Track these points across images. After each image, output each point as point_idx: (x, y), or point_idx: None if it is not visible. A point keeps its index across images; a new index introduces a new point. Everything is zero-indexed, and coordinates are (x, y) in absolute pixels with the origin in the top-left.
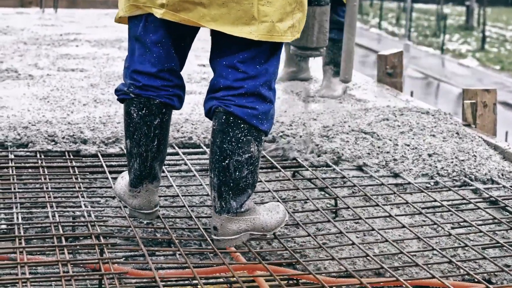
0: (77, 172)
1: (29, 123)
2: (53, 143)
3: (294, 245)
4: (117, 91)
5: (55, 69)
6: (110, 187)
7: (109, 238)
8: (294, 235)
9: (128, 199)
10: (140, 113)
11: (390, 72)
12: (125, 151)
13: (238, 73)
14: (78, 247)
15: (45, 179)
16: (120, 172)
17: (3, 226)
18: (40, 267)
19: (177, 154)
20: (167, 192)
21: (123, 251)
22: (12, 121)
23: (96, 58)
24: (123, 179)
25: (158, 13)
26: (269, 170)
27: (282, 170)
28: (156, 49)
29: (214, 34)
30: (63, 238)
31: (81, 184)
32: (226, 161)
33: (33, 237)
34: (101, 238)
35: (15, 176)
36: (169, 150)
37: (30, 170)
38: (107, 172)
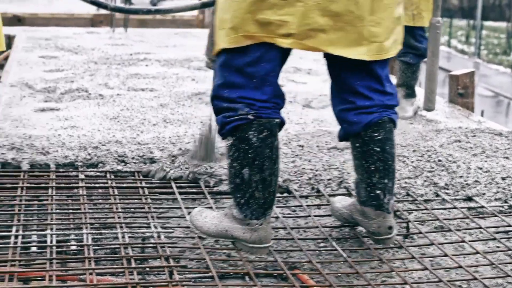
0: (146, 193)
1: (99, 143)
2: (123, 163)
3: (366, 269)
4: (226, 118)
5: (125, 89)
6: (180, 208)
7: (179, 260)
8: (367, 259)
9: (244, 234)
10: (260, 136)
11: (461, 93)
12: (231, 185)
13: (388, 87)
14: (147, 269)
15: (114, 199)
16: (189, 192)
17: (74, 247)
18: None
19: None
20: None
21: (192, 273)
22: (82, 141)
23: (165, 77)
24: (208, 216)
25: (285, 43)
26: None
27: (351, 192)
28: (270, 78)
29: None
30: (132, 260)
31: (150, 205)
32: (394, 164)
33: (102, 258)
34: (171, 260)
35: (85, 196)
36: None
37: (100, 190)
38: (177, 193)
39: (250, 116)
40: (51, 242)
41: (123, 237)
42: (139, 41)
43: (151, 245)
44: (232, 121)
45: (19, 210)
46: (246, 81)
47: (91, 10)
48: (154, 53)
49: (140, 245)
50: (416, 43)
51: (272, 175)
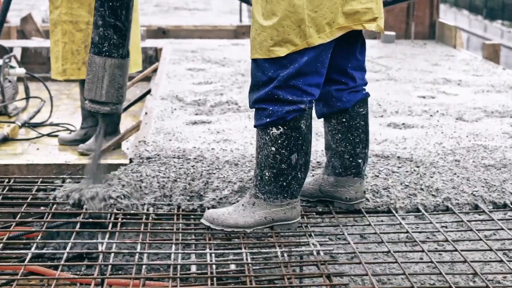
0: (303, 211)
1: (252, 156)
2: None
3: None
4: (288, 113)
5: None
6: (338, 226)
7: (341, 277)
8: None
9: (285, 214)
10: (307, 123)
11: None
12: (274, 171)
13: (363, 72)
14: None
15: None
16: (350, 211)
17: (233, 267)
18: None
19: None
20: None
21: None
22: (235, 155)
23: None
24: (230, 212)
25: (372, 26)
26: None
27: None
28: (327, 60)
29: (348, 41)
30: (293, 278)
31: (308, 224)
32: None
33: (263, 278)
34: (332, 278)
35: None
36: None
37: None
38: (333, 212)
39: (304, 106)
40: (211, 261)
41: (282, 255)
42: None
43: (311, 262)
44: (290, 113)
45: (177, 228)
46: (313, 67)
47: (234, 21)
48: None
49: (299, 264)
50: None
51: (310, 156)
